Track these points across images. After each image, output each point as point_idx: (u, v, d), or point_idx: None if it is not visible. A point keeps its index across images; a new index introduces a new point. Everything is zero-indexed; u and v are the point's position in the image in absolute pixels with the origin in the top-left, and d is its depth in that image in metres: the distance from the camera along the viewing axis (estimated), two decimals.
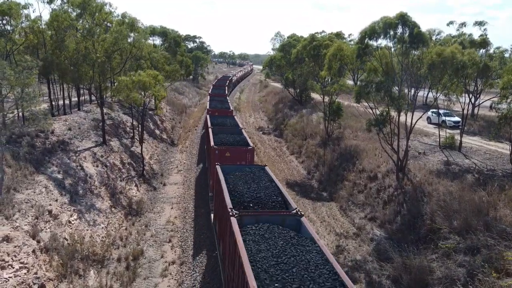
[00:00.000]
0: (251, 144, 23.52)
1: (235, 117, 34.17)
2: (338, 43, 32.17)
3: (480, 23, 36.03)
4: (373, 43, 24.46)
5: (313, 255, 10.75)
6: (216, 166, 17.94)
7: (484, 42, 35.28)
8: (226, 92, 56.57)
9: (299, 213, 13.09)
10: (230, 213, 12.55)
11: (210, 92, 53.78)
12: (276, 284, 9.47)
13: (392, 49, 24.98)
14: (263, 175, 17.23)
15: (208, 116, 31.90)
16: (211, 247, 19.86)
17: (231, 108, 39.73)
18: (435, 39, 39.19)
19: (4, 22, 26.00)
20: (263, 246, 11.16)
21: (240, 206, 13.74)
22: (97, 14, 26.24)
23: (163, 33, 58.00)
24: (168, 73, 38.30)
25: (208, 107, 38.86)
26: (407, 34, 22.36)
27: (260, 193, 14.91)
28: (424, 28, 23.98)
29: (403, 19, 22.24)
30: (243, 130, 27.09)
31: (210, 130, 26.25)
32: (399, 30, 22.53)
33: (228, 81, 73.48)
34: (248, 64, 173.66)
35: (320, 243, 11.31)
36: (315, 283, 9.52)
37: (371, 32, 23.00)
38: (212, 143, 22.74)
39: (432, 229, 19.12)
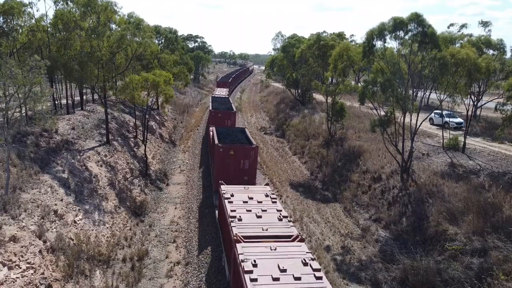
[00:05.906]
0: (234, 109, 39.99)
1: (229, 98, 52.91)
2: (345, 43, 32.14)
3: (485, 24, 35.98)
4: (377, 42, 24.48)
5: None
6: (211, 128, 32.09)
7: (499, 44, 35.01)
8: (229, 80, 79.92)
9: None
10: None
11: (218, 80, 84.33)
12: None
13: (395, 50, 24.95)
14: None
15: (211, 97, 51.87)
16: (216, 248, 19.82)
17: (227, 95, 57.95)
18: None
19: (10, 21, 25.91)
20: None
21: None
22: (101, 13, 26.11)
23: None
24: (175, 75, 38.50)
25: (214, 94, 58.06)
26: (419, 34, 22.32)
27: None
28: (438, 30, 23.98)
29: (417, 19, 22.19)
30: (232, 104, 43.67)
31: (210, 99, 46.80)
32: (410, 29, 22.51)
33: (233, 76, 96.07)
34: (248, 65, 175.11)
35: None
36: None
37: (379, 32, 22.93)
38: (210, 108, 40.23)
39: (437, 231, 19.10)
